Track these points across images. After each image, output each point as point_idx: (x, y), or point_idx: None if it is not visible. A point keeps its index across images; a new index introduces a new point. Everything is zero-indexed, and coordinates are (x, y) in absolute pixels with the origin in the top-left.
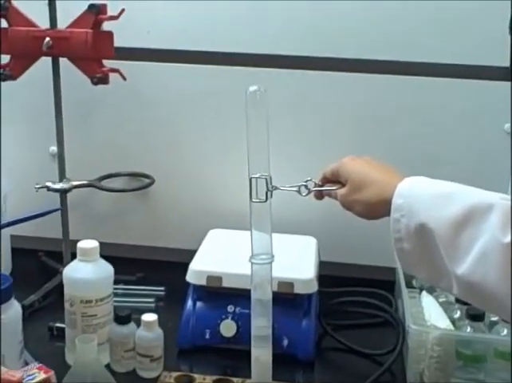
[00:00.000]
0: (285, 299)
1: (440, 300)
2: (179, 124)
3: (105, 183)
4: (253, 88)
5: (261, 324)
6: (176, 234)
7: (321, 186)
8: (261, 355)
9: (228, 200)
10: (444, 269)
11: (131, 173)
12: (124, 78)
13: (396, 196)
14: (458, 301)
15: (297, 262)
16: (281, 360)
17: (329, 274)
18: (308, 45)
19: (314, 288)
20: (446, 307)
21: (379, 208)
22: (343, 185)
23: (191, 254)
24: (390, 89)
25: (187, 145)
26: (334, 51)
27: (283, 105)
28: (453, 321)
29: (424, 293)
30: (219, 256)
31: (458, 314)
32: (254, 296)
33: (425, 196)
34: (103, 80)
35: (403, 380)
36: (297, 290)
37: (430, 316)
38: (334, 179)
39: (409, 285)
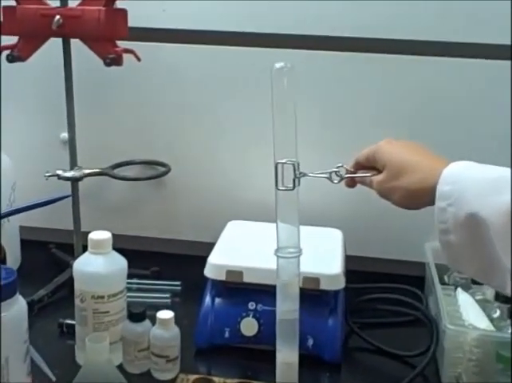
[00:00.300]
0: (310, 296)
1: (477, 298)
2: (196, 108)
3: (118, 171)
4: (279, 64)
5: (287, 308)
6: (193, 226)
7: (354, 173)
8: (286, 355)
9: (248, 190)
10: (498, 264)
11: (145, 161)
12: (139, 59)
13: (442, 183)
14: (497, 299)
15: (322, 256)
16: (306, 361)
17: (355, 269)
18: (336, 25)
19: (341, 284)
20: (483, 305)
21: (421, 196)
22: (379, 171)
23: (209, 247)
24: (425, 72)
25: (205, 131)
26: (364, 31)
27: (312, 87)
28: (491, 321)
29: (460, 290)
30: (239, 249)
31: (497, 313)
32: (279, 282)
33: (476, 182)
34: (116, 61)
35: None
36: (324, 286)
37: (468, 315)
38: (369, 164)
39: (441, 281)
